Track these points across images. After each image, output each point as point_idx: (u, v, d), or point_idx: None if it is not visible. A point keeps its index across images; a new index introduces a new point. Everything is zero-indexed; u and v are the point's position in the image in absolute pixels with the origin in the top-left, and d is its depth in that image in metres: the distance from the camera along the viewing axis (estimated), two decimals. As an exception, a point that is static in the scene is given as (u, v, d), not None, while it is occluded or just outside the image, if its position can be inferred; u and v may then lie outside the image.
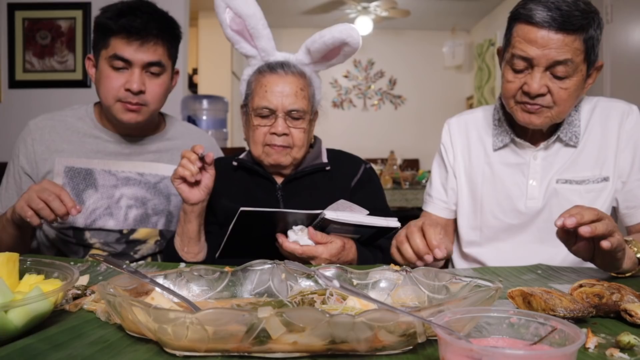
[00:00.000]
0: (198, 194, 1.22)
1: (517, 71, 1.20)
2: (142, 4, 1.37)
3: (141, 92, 1.35)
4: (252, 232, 1.15)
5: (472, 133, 1.41)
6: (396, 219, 1.16)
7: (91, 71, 1.44)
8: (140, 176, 1.46)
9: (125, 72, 1.35)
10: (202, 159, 1.20)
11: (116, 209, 1.43)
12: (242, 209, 1.07)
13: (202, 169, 1.22)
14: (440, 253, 0.99)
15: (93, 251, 1.43)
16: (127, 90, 1.34)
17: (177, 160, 1.49)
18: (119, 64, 1.34)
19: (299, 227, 1.14)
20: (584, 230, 0.86)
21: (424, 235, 1.02)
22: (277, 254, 1.15)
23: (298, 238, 1.13)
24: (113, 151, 1.45)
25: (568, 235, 0.93)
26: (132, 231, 1.45)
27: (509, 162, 1.34)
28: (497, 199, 1.35)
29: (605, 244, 0.88)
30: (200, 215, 1.26)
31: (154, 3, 1.40)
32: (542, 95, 1.18)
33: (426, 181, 4.41)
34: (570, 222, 0.86)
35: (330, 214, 1.10)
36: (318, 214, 1.12)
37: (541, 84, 1.17)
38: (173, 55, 1.45)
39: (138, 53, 1.33)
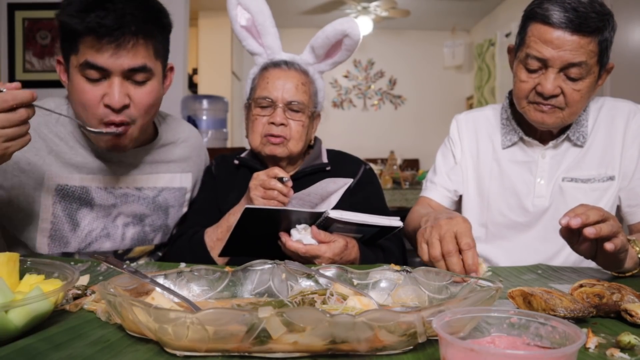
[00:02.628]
0: None
1: (530, 71, 1.20)
2: None
3: (125, 107, 1.09)
4: (255, 229, 1.15)
5: (481, 130, 1.42)
6: (399, 218, 1.16)
7: (63, 77, 1.16)
8: (139, 191, 1.28)
9: (103, 83, 1.07)
10: (281, 180, 1.20)
11: (113, 229, 1.26)
12: (246, 206, 1.07)
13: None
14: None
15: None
16: (107, 106, 1.08)
17: (174, 168, 1.36)
18: (94, 74, 1.06)
19: (302, 225, 1.14)
20: (589, 232, 0.86)
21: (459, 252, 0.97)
22: (280, 252, 1.15)
23: (301, 237, 1.13)
24: (106, 166, 1.23)
25: (571, 234, 0.93)
26: (128, 251, 1.31)
27: (517, 160, 1.35)
28: (504, 195, 1.35)
29: (609, 246, 0.88)
30: None
31: None
32: (555, 96, 1.18)
33: (426, 181, 4.41)
34: (575, 223, 0.86)
35: (334, 212, 1.10)
36: (322, 213, 1.12)
37: (555, 85, 1.17)
38: (162, 53, 1.17)
39: (115, 59, 1.05)
